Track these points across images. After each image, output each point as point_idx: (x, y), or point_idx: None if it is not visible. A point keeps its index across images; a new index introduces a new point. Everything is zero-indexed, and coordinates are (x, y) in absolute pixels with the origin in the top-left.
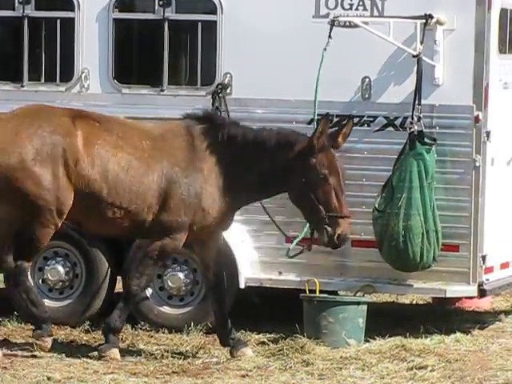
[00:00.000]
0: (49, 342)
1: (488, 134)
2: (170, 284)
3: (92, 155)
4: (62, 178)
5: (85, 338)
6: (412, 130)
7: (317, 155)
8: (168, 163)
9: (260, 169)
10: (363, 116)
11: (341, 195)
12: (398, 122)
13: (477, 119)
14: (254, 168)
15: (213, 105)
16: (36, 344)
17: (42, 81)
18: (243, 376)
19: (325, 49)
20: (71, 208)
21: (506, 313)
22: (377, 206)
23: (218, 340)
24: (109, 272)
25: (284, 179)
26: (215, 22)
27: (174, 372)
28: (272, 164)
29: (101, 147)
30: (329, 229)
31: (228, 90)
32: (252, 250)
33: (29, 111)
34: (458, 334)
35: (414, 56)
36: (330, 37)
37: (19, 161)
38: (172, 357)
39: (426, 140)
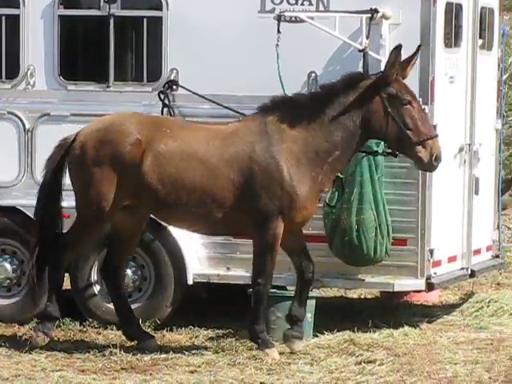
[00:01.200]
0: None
1: (434, 127)
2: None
3: (158, 159)
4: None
5: (33, 335)
6: None
7: (393, 84)
8: (241, 156)
9: (341, 122)
10: None
11: (424, 117)
12: None
13: None
14: (335, 125)
15: (162, 101)
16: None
17: None
18: (192, 372)
19: (277, 44)
20: (155, 208)
21: (459, 305)
22: (327, 201)
23: (166, 336)
24: None
25: (368, 120)
26: (161, 18)
27: (122, 368)
28: (351, 111)
29: (167, 151)
30: (425, 153)
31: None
32: (200, 246)
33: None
34: (407, 328)
35: (360, 50)
36: (279, 32)
37: None
38: (120, 353)
39: None
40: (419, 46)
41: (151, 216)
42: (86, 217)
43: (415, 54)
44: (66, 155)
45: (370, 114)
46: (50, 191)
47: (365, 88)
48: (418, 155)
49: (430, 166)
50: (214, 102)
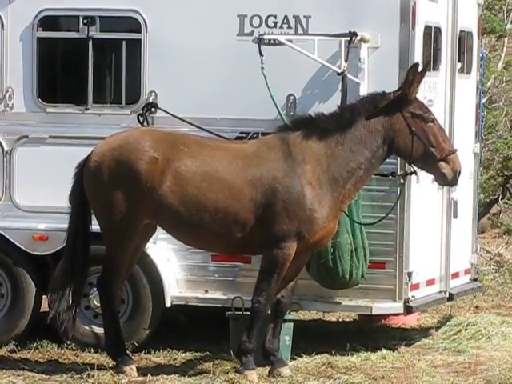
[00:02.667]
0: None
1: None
2: (95, 303)
3: (178, 179)
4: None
5: (11, 357)
6: None
7: (413, 103)
8: (264, 177)
9: (364, 142)
10: None
11: (444, 133)
12: None
13: None
14: (358, 145)
15: (141, 123)
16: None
17: None
18: None
19: (262, 67)
20: (174, 228)
21: (436, 328)
22: None
23: (144, 358)
24: (34, 291)
25: (391, 140)
26: (139, 40)
27: None
28: (373, 131)
29: (187, 172)
30: (448, 168)
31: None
32: (178, 269)
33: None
34: (384, 351)
35: (338, 74)
36: (261, 54)
37: None
38: (98, 376)
39: None
40: (417, 64)
41: None
42: (112, 239)
43: (424, 71)
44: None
45: (393, 133)
46: (78, 222)
47: (385, 107)
48: (442, 171)
49: (453, 181)
50: (191, 124)
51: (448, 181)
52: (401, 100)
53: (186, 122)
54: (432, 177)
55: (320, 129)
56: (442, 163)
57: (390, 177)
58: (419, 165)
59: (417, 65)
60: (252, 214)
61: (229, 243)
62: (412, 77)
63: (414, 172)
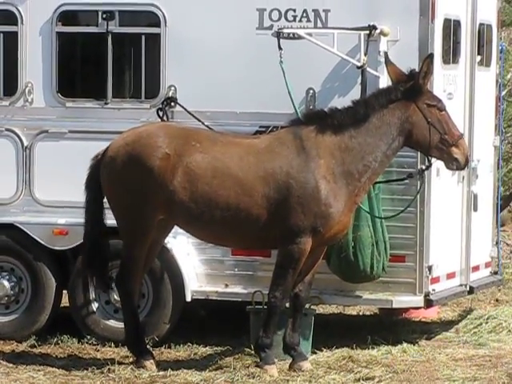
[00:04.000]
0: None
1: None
2: (115, 297)
3: (189, 176)
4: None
5: (31, 352)
6: None
7: (427, 93)
8: (277, 172)
9: (379, 135)
10: None
11: (451, 118)
12: None
13: None
14: (373, 138)
15: (161, 117)
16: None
17: None
18: None
19: (281, 61)
20: (187, 223)
21: (456, 321)
22: None
23: (164, 353)
24: (55, 286)
25: (408, 132)
26: (159, 34)
27: None
28: (388, 124)
29: (198, 168)
30: (459, 153)
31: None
32: (198, 263)
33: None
34: (405, 345)
35: (358, 67)
36: (280, 48)
37: None
38: (118, 370)
39: None
40: (431, 55)
41: None
42: (129, 233)
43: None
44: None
45: (410, 125)
46: (93, 214)
47: (400, 100)
48: (455, 156)
49: (464, 164)
50: (201, 122)
51: (461, 165)
52: (414, 91)
53: (197, 119)
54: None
55: (333, 123)
56: (454, 148)
57: (407, 180)
58: (435, 154)
59: (432, 56)
60: (265, 210)
61: (242, 239)
62: (427, 68)
63: (429, 166)
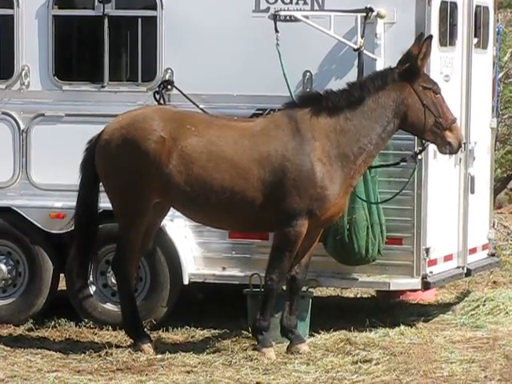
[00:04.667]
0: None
1: None
2: (113, 281)
3: (184, 159)
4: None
5: (28, 336)
6: None
7: (423, 76)
8: (273, 155)
9: (375, 117)
10: None
11: (445, 102)
12: None
13: None
14: (369, 120)
15: (157, 101)
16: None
17: None
18: (188, 372)
19: (277, 44)
20: (183, 206)
21: (454, 303)
22: None
23: (162, 336)
24: (52, 270)
25: (404, 114)
26: (155, 17)
27: (118, 369)
28: (384, 106)
29: (193, 151)
30: (452, 137)
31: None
32: (195, 246)
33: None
34: (403, 327)
35: (355, 50)
36: (277, 31)
37: None
38: (116, 354)
39: None
40: (431, 36)
41: None
42: (124, 216)
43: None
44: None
45: (405, 107)
46: (86, 196)
47: (395, 82)
48: (448, 140)
49: (457, 148)
50: (197, 106)
51: (454, 149)
52: (411, 73)
53: (193, 102)
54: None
55: (329, 105)
56: (448, 132)
57: (402, 163)
58: (429, 137)
59: (431, 37)
60: (260, 193)
61: (238, 221)
62: (426, 49)
63: (423, 149)
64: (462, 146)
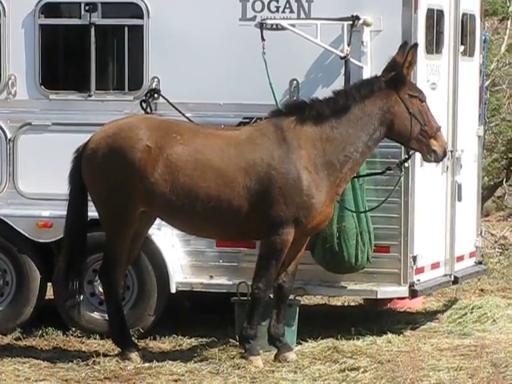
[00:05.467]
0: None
1: None
2: (100, 290)
3: (170, 168)
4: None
5: (16, 345)
6: None
7: (408, 84)
8: (258, 164)
9: (361, 126)
10: None
11: (430, 110)
12: None
13: None
14: (354, 129)
15: (144, 109)
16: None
17: None
18: (175, 380)
19: (263, 52)
20: (168, 216)
21: (441, 311)
22: None
23: (150, 345)
24: (39, 279)
25: (390, 122)
26: (142, 26)
27: (105, 378)
28: (370, 114)
29: (179, 160)
30: (437, 145)
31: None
32: (182, 255)
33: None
34: (390, 335)
35: (341, 58)
36: (263, 39)
37: None
38: (104, 362)
39: None
40: (416, 45)
41: None
42: (111, 225)
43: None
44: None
45: (392, 115)
46: (76, 207)
47: (381, 90)
48: (433, 148)
49: (442, 156)
50: (183, 115)
51: (439, 157)
52: (397, 82)
53: (179, 111)
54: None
55: (314, 113)
56: (433, 140)
57: (388, 171)
58: (414, 145)
59: (416, 45)
60: (246, 202)
61: (224, 230)
62: (411, 58)
63: (408, 158)
64: (447, 153)
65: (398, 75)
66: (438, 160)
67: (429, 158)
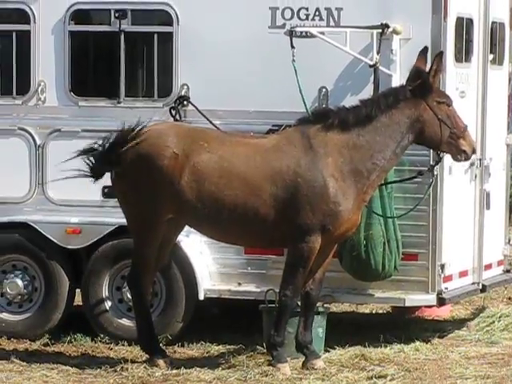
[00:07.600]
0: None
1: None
2: (128, 296)
3: (196, 175)
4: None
5: (44, 351)
6: None
7: (436, 91)
8: (285, 171)
9: (388, 133)
10: None
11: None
12: None
13: None
14: (382, 136)
15: (173, 116)
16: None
17: None
18: None
19: (293, 60)
20: (195, 223)
21: (469, 319)
22: None
23: (178, 351)
24: (68, 285)
25: (420, 130)
26: (171, 33)
27: None
28: (397, 122)
29: (205, 167)
30: (466, 145)
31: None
32: (211, 262)
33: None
34: (418, 343)
35: (370, 66)
36: (293, 47)
37: None
38: (132, 369)
39: None
40: (441, 53)
41: None
42: (138, 231)
43: (440, 61)
44: None
45: (421, 123)
46: None
47: (409, 99)
48: (463, 148)
49: (471, 155)
50: (211, 123)
51: (469, 156)
52: (424, 90)
53: (207, 118)
54: (465, 168)
55: (341, 121)
56: (461, 141)
57: (419, 179)
58: (445, 148)
59: (442, 53)
60: (273, 210)
61: (250, 238)
62: (437, 66)
63: (439, 161)
64: (476, 151)
65: (424, 83)
66: (467, 158)
67: (459, 158)
